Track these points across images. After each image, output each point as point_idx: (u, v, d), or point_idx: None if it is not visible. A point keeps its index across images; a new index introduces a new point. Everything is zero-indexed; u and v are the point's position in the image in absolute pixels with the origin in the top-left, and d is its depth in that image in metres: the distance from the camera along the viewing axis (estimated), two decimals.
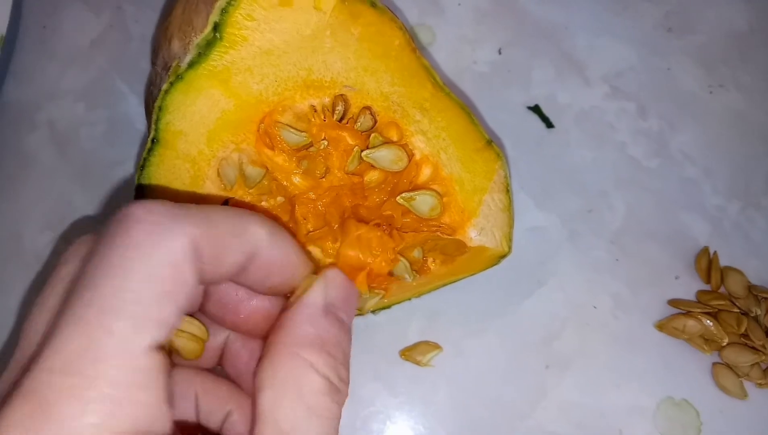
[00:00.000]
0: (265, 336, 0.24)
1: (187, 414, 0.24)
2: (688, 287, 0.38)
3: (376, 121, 0.30)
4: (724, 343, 0.36)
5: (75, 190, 0.40)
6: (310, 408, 0.19)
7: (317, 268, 0.24)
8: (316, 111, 0.29)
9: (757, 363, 0.35)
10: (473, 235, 0.32)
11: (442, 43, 0.43)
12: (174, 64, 0.27)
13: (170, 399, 0.18)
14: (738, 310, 0.36)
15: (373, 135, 0.29)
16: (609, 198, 0.40)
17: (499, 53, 0.43)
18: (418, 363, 0.36)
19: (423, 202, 0.30)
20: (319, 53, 0.28)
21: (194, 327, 0.23)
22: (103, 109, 0.42)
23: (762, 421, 0.35)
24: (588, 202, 0.39)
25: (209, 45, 0.26)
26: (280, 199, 0.30)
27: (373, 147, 0.29)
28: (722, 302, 0.36)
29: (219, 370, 0.26)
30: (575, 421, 0.35)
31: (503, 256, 0.33)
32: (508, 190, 0.32)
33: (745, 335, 0.36)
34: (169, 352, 0.23)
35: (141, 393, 0.17)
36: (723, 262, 0.38)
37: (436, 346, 0.36)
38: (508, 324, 0.37)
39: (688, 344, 0.36)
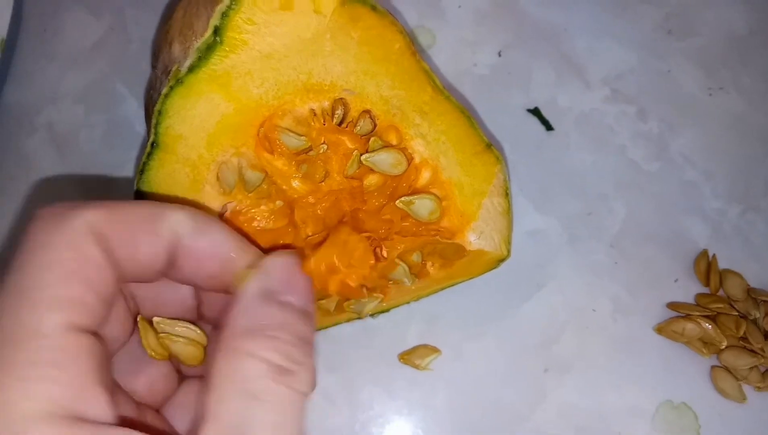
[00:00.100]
0: None
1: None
2: (688, 290, 0.38)
3: (375, 125, 0.30)
4: (723, 347, 0.36)
5: (74, 192, 0.40)
6: (255, 395, 0.18)
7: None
8: (315, 115, 0.29)
9: (756, 366, 0.35)
10: (472, 239, 0.32)
11: (442, 45, 0.43)
12: (174, 68, 0.27)
13: (107, 385, 0.18)
14: (737, 314, 0.36)
15: (372, 139, 0.29)
16: (609, 201, 0.40)
17: (499, 55, 0.43)
18: (417, 366, 0.36)
19: (422, 206, 0.30)
20: (319, 57, 0.28)
21: (190, 331, 0.23)
22: (103, 112, 0.42)
23: (761, 424, 0.35)
24: (587, 206, 0.39)
25: (210, 49, 0.26)
26: (279, 203, 0.30)
27: (373, 151, 0.29)
28: (721, 305, 0.36)
29: None
30: (574, 424, 0.35)
31: (502, 260, 0.33)
32: (507, 194, 0.32)
33: (744, 338, 0.36)
34: (170, 355, 0.23)
35: (57, 372, 0.17)
36: (722, 265, 0.38)
37: (435, 350, 0.36)
38: (507, 327, 0.37)
39: (687, 347, 0.36)
